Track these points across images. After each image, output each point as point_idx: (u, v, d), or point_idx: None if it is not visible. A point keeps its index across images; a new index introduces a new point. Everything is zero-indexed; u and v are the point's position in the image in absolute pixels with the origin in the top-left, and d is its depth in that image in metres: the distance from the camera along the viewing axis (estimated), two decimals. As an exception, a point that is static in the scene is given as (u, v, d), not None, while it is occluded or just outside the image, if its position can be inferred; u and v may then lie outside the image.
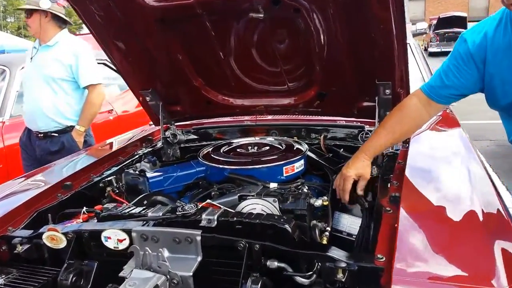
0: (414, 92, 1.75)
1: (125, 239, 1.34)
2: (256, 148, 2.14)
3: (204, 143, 2.55)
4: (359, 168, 1.71)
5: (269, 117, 2.54)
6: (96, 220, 1.55)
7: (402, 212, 1.29)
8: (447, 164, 1.80)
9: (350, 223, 1.76)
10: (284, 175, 1.87)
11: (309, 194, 1.65)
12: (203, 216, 1.36)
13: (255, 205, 1.56)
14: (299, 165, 1.93)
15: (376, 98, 1.97)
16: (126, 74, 2.28)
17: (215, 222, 1.35)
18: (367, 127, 2.28)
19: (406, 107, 1.73)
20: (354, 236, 1.72)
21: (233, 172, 1.84)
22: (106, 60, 4.74)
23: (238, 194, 1.64)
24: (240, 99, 2.30)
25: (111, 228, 1.36)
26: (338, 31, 1.74)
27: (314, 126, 2.41)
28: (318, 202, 1.60)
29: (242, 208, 1.57)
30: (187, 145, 2.55)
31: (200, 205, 1.43)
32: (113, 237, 1.35)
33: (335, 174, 1.88)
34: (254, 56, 2.05)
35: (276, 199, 1.58)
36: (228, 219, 1.35)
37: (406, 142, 1.98)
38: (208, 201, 1.47)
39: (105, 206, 1.62)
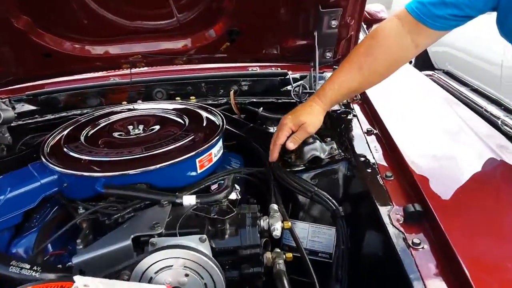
0: (396, 13, 1.15)
1: None
2: (142, 127, 1.32)
3: (50, 116, 1.64)
4: (301, 115, 1.18)
5: (144, 69, 1.71)
6: None
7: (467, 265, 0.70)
8: (434, 117, 1.38)
9: (312, 235, 1.15)
10: (199, 170, 1.15)
11: (256, 211, 0.96)
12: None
13: (170, 260, 0.83)
14: (217, 150, 1.21)
15: (315, 33, 1.33)
16: None
17: None
18: (290, 73, 1.65)
19: (382, 31, 1.16)
20: (320, 255, 1.13)
21: (110, 185, 1.04)
22: None
23: (132, 236, 0.88)
24: (102, 46, 1.42)
25: None
26: None
27: (219, 77, 1.67)
28: (277, 229, 0.93)
29: (145, 271, 0.83)
30: (21, 122, 1.62)
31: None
32: None
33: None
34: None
35: (205, 236, 0.87)
36: None
37: None
38: (78, 278, 0.70)
39: None
